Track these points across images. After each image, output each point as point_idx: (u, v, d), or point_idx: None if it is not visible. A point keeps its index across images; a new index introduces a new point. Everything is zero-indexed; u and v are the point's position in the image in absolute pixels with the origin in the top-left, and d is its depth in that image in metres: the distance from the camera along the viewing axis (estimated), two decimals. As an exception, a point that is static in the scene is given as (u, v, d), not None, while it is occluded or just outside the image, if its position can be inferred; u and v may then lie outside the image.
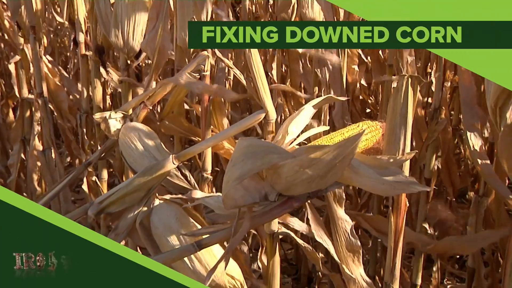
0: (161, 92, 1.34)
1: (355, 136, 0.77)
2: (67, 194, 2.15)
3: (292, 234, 1.17)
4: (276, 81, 2.10)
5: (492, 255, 1.83)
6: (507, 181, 1.68)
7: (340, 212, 1.12)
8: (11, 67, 2.35)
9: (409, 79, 0.94)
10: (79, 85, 1.98)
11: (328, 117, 1.90)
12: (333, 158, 0.78)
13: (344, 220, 1.11)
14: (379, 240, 2.14)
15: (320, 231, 1.10)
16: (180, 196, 1.12)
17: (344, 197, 1.15)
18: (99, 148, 1.74)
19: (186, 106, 1.71)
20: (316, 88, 1.97)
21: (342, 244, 1.11)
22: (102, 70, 1.80)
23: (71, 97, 2.58)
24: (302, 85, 2.41)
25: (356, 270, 1.13)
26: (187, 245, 0.98)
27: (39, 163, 2.31)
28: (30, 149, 2.22)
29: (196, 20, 1.37)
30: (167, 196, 1.12)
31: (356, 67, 2.24)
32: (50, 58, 2.33)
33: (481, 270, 1.77)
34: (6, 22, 2.21)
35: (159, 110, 2.29)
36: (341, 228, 1.12)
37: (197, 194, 1.12)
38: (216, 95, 1.29)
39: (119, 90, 1.79)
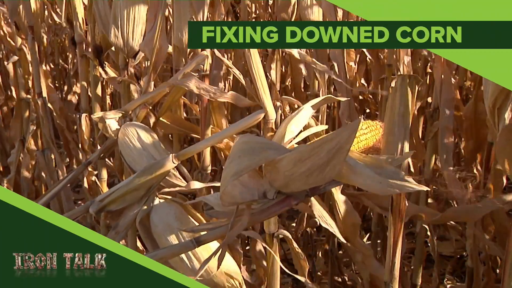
0: (161, 92, 1.34)
1: (353, 123, 0.77)
2: (69, 194, 2.15)
3: (290, 236, 1.18)
4: (274, 82, 2.09)
5: (488, 254, 1.83)
6: (505, 181, 1.68)
7: (339, 196, 1.22)
8: (9, 67, 2.35)
9: (408, 79, 0.94)
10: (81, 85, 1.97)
11: (325, 117, 1.90)
12: (332, 147, 0.78)
13: (343, 201, 1.23)
14: (379, 241, 2.14)
15: (325, 216, 1.12)
16: (179, 188, 1.13)
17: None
18: (98, 148, 1.74)
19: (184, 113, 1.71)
20: (316, 88, 1.97)
21: (344, 221, 1.21)
22: (100, 69, 1.80)
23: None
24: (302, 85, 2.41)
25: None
26: (185, 241, 0.98)
27: (33, 162, 2.31)
28: (26, 149, 2.23)
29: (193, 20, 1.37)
30: (167, 190, 1.13)
31: (353, 64, 2.24)
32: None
33: (480, 270, 1.77)
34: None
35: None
36: (342, 209, 1.22)
37: (195, 185, 1.12)
38: (230, 101, 1.29)
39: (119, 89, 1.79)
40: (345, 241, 1.18)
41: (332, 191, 1.19)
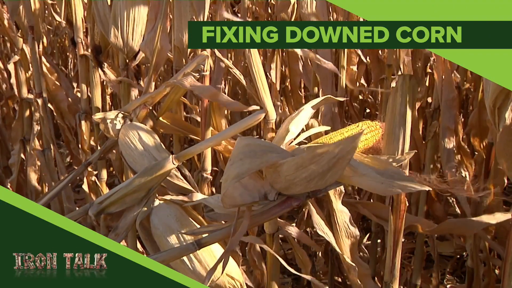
0: (161, 93, 1.34)
1: (355, 134, 0.77)
2: (70, 194, 2.15)
3: (291, 232, 1.18)
4: (274, 81, 2.10)
5: (488, 254, 1.83)
6: (506, 181, 1.68)
7: (339, 205, 1.14)
8: (11, 67, 2.34)
9: (408, 79, 0.94)
10: (80, 85, 1.97)
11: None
12: (333, 157, 0.78)
13: (343, 212, 1.14)
14: (379, 240, 2.14)
15: (322, 225, 1.11)
16: (180, 198, 1.12)
17: (343, 190, 1.16)
18: (99, 148, 1.74)
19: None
20: (316, 88, 1.97)
21: (342, 234, 1.15)
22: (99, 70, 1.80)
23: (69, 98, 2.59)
24: (302, 85, 2.41)
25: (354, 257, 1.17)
26: (187, 244, 0.98)
27: (39, 163, 2.31)
28: (30, 149, 2.23)
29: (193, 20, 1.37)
30: (167, 197, 1.12)
31: (354, 68, 2.24)
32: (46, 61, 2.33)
33: (480, 270, 1.78)
34: (5, 22, 2.21)
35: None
36: (340, 220, 1.14)
37: (198, 197, 1.12)
38: (223, 104, 1.28)
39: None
40: (340, 251, 1.15)
41: (332, 200, 1.16)
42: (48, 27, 3.65)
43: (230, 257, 1.13)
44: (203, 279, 1.00)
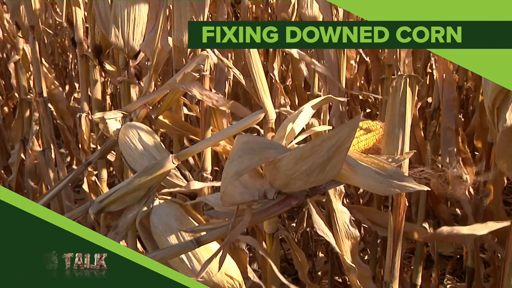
0: (161, 93, 1.34)
1: (352, 121, 0.77)
2: (70, 194, 2.15)
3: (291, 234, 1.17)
4: (278, 81, 2.09)
5: (493, 254, 1.83)
6: (506, 181, 1.68)
7: (339, 205, 1.14)
8: (10, 67, 2.35)
9: (408, 79, 0.94)
10: (81, 85, 1.97)
11: (328, 117, 1.89)
12: (332, 146, 0.78)
13: (343, 213, 1.14)
14: (379, 240, 2.14)
15: (322, 225, 1.10)
16: (179, 189, 1.13)
17: (343, 191, 1.16)
18: (99, 148, 1.74)
19: (186, 110, 1.70)
20: (316, 88, 1.97)
21: (342, 234, 1.14)
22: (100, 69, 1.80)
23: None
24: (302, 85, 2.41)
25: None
26: (185, 242, 0.98)
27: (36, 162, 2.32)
28: (29, 149, 2.23)
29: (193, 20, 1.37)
30: (167, 190, 1.13)
31: (353, 62, 2.23)
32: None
33: (481, 270, 1.77)
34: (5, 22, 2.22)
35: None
36: (340, 220, 1.14)
37: (195, 185, 1.12)
38: (230, 110, 1.29)
39: (119, 89, 1.79)
40: (340, 252, 1.14)
41: (332, 200, 1.16)
42: (47, 30, 3.65)
43: (230, 257, 1.14)
44: (202, 278, 1.00)
